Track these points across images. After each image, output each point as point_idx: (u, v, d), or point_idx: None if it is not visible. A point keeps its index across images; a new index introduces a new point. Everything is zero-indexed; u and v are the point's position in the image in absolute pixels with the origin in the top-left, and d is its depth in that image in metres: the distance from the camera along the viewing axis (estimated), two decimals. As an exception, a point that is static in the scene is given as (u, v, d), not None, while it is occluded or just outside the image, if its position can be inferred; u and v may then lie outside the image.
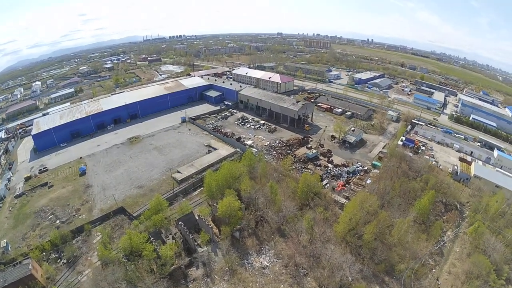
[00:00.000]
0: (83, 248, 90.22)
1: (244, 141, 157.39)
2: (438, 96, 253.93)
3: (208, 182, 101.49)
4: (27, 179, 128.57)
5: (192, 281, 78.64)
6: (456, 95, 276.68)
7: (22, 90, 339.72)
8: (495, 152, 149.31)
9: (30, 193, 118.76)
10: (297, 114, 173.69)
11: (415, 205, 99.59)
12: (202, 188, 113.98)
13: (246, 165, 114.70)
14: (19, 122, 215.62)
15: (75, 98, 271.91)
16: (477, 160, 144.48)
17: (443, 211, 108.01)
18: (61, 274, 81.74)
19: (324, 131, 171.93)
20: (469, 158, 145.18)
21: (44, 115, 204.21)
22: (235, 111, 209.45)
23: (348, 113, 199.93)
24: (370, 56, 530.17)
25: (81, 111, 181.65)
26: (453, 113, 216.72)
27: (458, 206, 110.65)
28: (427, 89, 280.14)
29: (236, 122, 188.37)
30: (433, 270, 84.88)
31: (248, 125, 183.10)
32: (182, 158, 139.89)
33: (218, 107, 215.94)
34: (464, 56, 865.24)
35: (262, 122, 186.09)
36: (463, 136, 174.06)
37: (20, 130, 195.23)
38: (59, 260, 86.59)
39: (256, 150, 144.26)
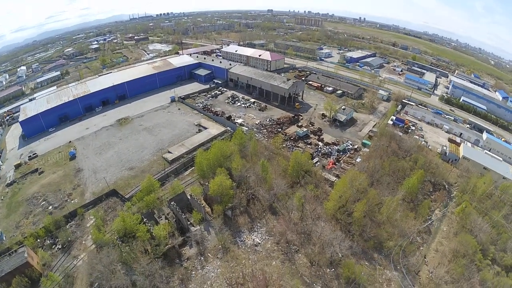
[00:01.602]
0: (77, 232, 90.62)
1: (234, 119, 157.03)
2: (429, 77, 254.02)
3: (199, 162, 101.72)
4: (17, 166, 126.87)
5: (186, 260, 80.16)
6: (447, 77, 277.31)
7: (8, 76, 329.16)
8: (484, 135, 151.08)
9: (21, 181, 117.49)
10: (288, 92, 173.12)
11: (404, 184, 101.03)
12: (193, 168, 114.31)
13: (237, 144, 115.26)
14: (5, 109, 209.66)
15: (61, 81, 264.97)
16: (466, 142, 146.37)
17: (431, 190, 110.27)
18: (57, 259, 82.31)
19: (314, 109, 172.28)
20: (458, 140, 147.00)
21: (30, 100, 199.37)
22: (225, 89, 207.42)
23: (339, 91, 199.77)
24: (362, 34, 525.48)
25: (68, 94, 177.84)
26: (444, 94, 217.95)
27: (446, 186, 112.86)
28: (419, 69, 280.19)
29: (226, 101, 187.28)
30: (421, 248, 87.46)
31: (239, 104, 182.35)
32: (172, 138, 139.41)
33: (207, 86, 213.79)
34: (457, 38, 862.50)
35: (253, 100, 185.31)
36: (453, 118, 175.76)
37: (7, 117, 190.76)
38: (54, 246, 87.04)
39: (247, 128, 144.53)
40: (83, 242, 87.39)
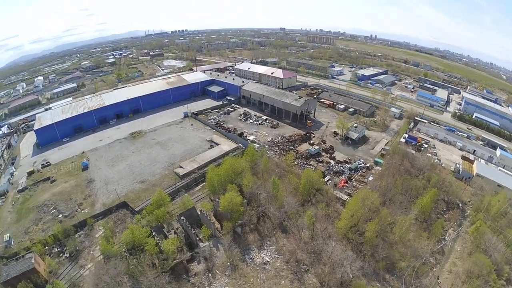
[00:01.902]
0: (85, 242, 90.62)
1: (246, 136, 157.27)
2: (441, 93, 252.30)
3: (210, 177, 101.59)
4: (30, 173, 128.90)
5: (193, 276, 79.13)
6: (460, 93, 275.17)
7: (25, 85, 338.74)
8: (498, 151, 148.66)
9: (32, 188, 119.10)
10: (300, 110, 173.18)
11: (417, 203, 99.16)
12: (204, 183, 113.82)
13: (248, 161, 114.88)
14: (21, 117, 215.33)
15: (77, 93, 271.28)
16: (479, 159, 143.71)
17: (444, 209, 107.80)
18: (63, 268, 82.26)
19: (326, 127, 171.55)
20: (471, 157, 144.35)
21: (46, 110, 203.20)
22: (237, 106, 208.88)
23: (351, 109, 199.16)
24: (373, 52, 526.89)
25: (83, 106, 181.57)
26: (456, 111, 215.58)
27: (460, 205, 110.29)
28: (431, 86, 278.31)
29: (239, 118, 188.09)
30: (434, 269, 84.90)
31: (251, 121, 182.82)
32: (184, 153, 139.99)
33: (220, 102, 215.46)
34: (468, 53, 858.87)
35: (265, 117, 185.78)
36: (466, 135, 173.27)
37: (23, 125, 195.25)
38: (62, 254, 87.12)
39: (258, 145, 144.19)
40: (91, 252, 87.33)
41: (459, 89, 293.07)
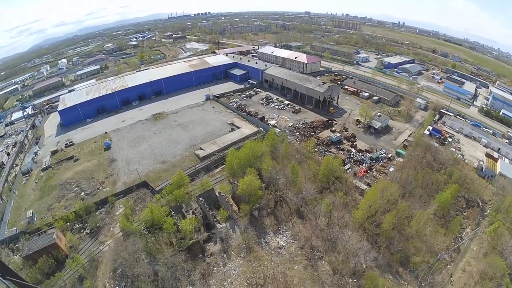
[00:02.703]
0: (106, 219, 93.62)
1: (267, 120, 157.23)
2: (469, 86, 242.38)
3: (230, 160, 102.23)
4: (54, 153, 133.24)
5: (209, 256, 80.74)
6: (488, 87, 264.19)
7: (48, 68, 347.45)
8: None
9: (56, 166, 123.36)
10: (323, 96, 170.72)
11: (436, 198, 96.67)
12: (223, 166, 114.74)
13: (268, 145, 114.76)
14: (45, 98, 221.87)
15: (100, 75, 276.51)
16: (504, 158, 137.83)
17: (464, 206, 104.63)
18: (84, 243, 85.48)
19: (349, 114, 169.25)
20: (496, 155, 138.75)
21: (70, 91, 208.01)
22: (259, 90, 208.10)
23: (375, 97, 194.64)
24: (401, 40, 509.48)
25: (106, 88, 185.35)
26: (483, 106, 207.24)
27: (480, 204, 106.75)
28: (458, 78, 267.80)
29: (260, 102, 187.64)
30: (448, 266, 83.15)
31: (272, 105, 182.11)
32: (205, 135, 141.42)
33: (242, 86, 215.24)
34: (499, 47, 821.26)
35: (287, 102, 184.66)
36: (491, 131, 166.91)
37: (47, 106, 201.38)
38: (83, 230, 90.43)
39: (279, 130, 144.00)
40: (111, 229, 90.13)
41: (488, 83, 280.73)
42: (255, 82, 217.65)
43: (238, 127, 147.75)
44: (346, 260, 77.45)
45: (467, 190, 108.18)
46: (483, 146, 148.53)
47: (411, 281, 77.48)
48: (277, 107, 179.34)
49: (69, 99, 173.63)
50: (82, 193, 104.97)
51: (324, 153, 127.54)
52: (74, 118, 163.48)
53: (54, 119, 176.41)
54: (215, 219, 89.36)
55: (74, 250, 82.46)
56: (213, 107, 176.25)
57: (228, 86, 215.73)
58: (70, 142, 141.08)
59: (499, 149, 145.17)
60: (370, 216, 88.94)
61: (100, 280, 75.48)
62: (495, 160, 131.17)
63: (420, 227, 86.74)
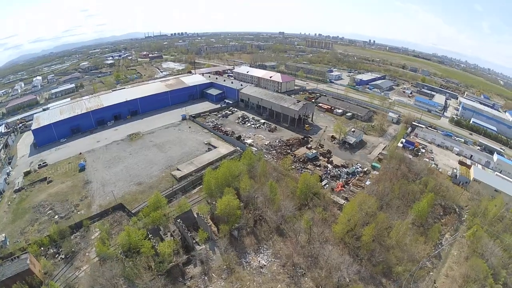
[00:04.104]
0: (81, 243, 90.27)
1: (244, 139, 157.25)
2: (439, 99, 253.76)
3: (207, 180, 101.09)
4: (27, 173, 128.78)
5: (189, 279, 78.81)
6: (457, 98, 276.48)
7: (23, 85, 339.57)
8: (495, 156, 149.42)
9: (29, 188, 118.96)
10: (298, 114, 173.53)
11: (413, 208, 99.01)
12: (201, 186, 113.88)
13: (245, 164, 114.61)
14: (19, 116, 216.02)
15: (75, 93, 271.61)
16: (476, 164, 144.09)
17: (441, 214, 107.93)
18: (59, 269, 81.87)
19: (324, 131, 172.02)
20: (468, 162, 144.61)
21: (44, 110, 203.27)
22: (235, 109, 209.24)
23: (349, 114, 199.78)
24: (372, 57, 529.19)
25: (81, 107, 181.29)
26: (454, 116, 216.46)
27: (457, 210, 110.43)
28: (428, 91, 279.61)
29: (237, 121, 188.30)
30: (431, 273, 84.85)
31: (249, 124, 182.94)
32: (181, 155, 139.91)
33: (218, 105, 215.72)
34: (466, 59, 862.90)
35: (263, 121, 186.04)
36: (463, 140, 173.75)
37: (20, 125, 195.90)
38: (57, 255, 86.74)
39: (256, 149, 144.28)
40: (87, 254, 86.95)
41: (457, 94, 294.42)
42: (231, 102, 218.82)
43: (215, 147, 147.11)
44: (329, 275, 77.44)
45: (443, 198, 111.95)
46: (456, 154, 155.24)
47: (394, 291, 77.97)
48: (253, 126, 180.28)
49: (43, 118, 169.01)
50: (56, 216, 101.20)
51: (301, 170, 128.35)
52: (48, 137, 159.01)
53: (27, 138, 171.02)
54: (194, 241, 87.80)
55: (49, 277, 78.85)
56: (190, 127, 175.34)
57: (204, 106, 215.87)
58: (43, 163, 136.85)
59: (472, 156, 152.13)
60: (350, 230, 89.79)
61: (77, 308, 72.24)
62: (469, 167, 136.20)
63: (400, 237, 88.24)
